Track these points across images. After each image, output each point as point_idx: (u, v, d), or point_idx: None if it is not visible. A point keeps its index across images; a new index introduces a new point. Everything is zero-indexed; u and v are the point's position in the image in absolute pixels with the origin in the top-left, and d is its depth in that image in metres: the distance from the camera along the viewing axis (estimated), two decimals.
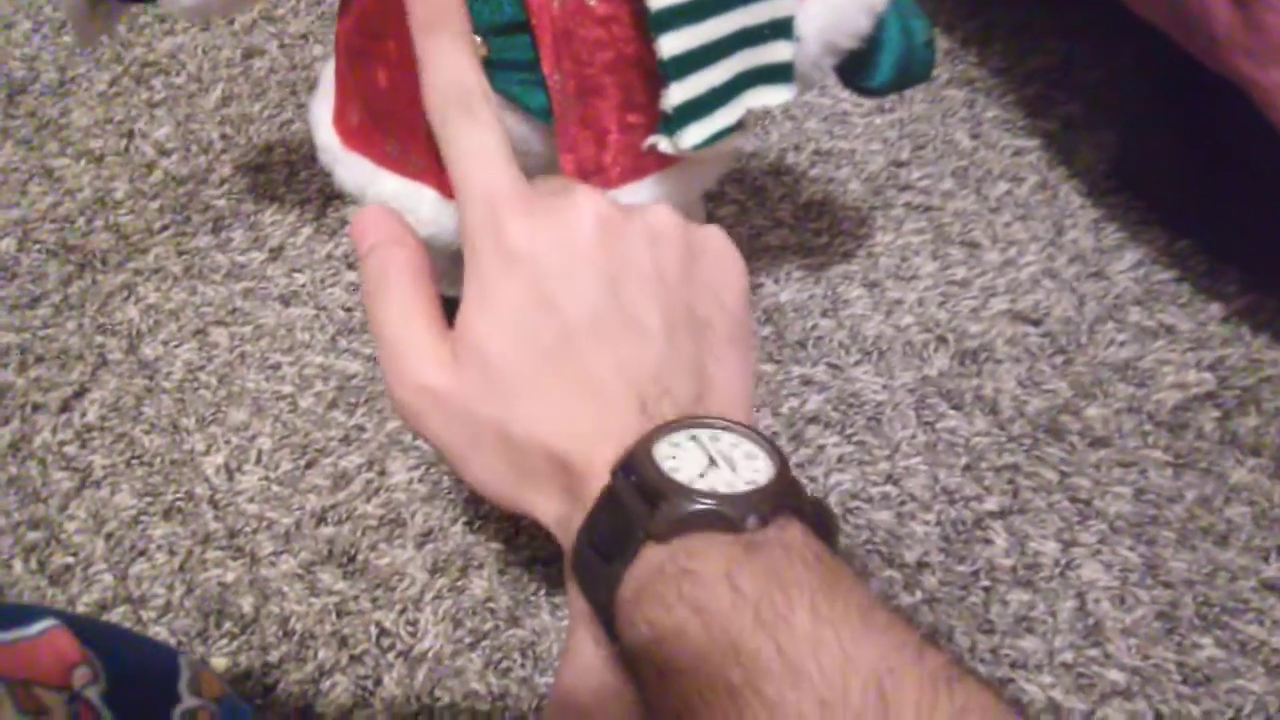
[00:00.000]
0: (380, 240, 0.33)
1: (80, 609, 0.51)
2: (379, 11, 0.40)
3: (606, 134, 0.40)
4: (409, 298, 0.32)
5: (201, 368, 0.60)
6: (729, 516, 0.26)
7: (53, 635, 0.34)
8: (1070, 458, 0.55)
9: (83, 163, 0.71)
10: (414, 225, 0.43)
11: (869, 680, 0.23)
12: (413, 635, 0.50)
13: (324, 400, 0.58)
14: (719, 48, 0.38)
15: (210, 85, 0.75)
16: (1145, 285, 0.62)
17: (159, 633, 0.50)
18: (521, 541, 0.53)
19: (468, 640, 0.50)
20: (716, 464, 0.27)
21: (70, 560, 0.53)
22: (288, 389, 0.59)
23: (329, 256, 0.65)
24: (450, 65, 0.33)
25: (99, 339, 0.61)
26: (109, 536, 0.54)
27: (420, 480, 0.55)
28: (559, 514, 0.29)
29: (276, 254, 0.65)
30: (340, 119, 0.46)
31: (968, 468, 0.55)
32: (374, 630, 0.50)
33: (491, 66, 0.37)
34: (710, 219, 0.64)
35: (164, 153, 0.71)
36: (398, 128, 0.43)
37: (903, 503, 0.54)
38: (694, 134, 0.39)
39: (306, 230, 0.66)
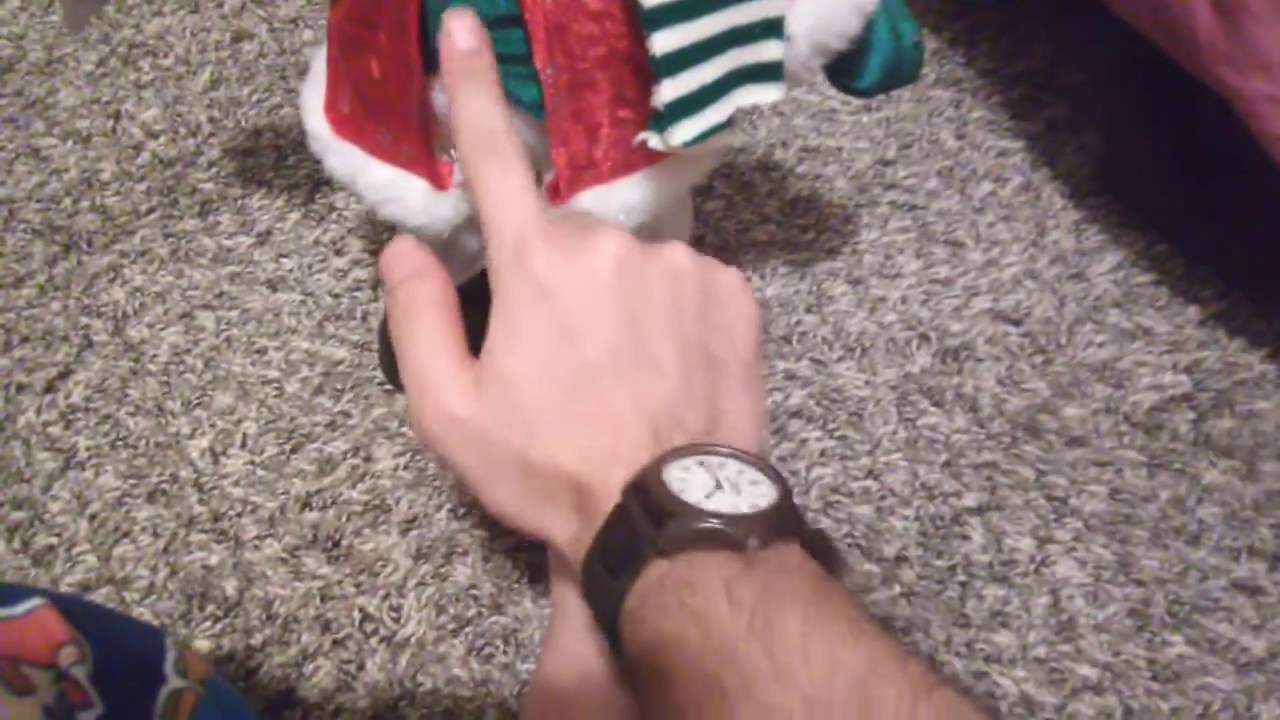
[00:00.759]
0: (409, 274, 0.35)
1: (63, 589, 0.51)
2: (371, 1, 0.40)
3: (598, 129, 0.41)
4: (436, 330, 0.33)
5: (187, 351, 0.60)
6: (732, 536, 0.27)
7: (40, 615, 0.34)
8: (1047, 456, 0.56)
9: (69, 143, 0.71)
10: (404, 215, 0.44)
11: (854, 682, 0.23)
12: (396, 621, 0.50)
13: (310, 386, 0.58)
14: (710, 46, 0.39)
15: (199, 68, 0.75)
16: (1124, 287, 0.63)
17: (142, 614, 0.51)
18: (505, 529, 0.53)
19: (450, 626, 0.50)
20: (722, 487, 0.29)
21: (54, 541, 0.53)
22: (274, 374, 0.59)
23: (316, 242, 0.65)
24: (480, 110, 0.36)
25: (84, 320, 0.61)
26: (93, 518, 0.54)
27: (405, 467, 0.55)
28: (572, 534, 0.31)
29: (264, 239, 0.65)
30: (331, 107, 0.46)
31: (947, 464, 0.56)
32: (357, 615, 0.51)
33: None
34: (698, 213, 0.64)
35: (151, 135, 0.71)
36: (389, 117, 0.43)
37: (883, 497, 0.55)
38: (684, 131, 0.39)
39: (294, 215, 0.66)
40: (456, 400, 0.32)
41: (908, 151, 0.70)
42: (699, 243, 0.64)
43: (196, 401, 0.58)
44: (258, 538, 0.53)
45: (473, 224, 0.43)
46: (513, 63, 0.39)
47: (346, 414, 0.57)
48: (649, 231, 0.45)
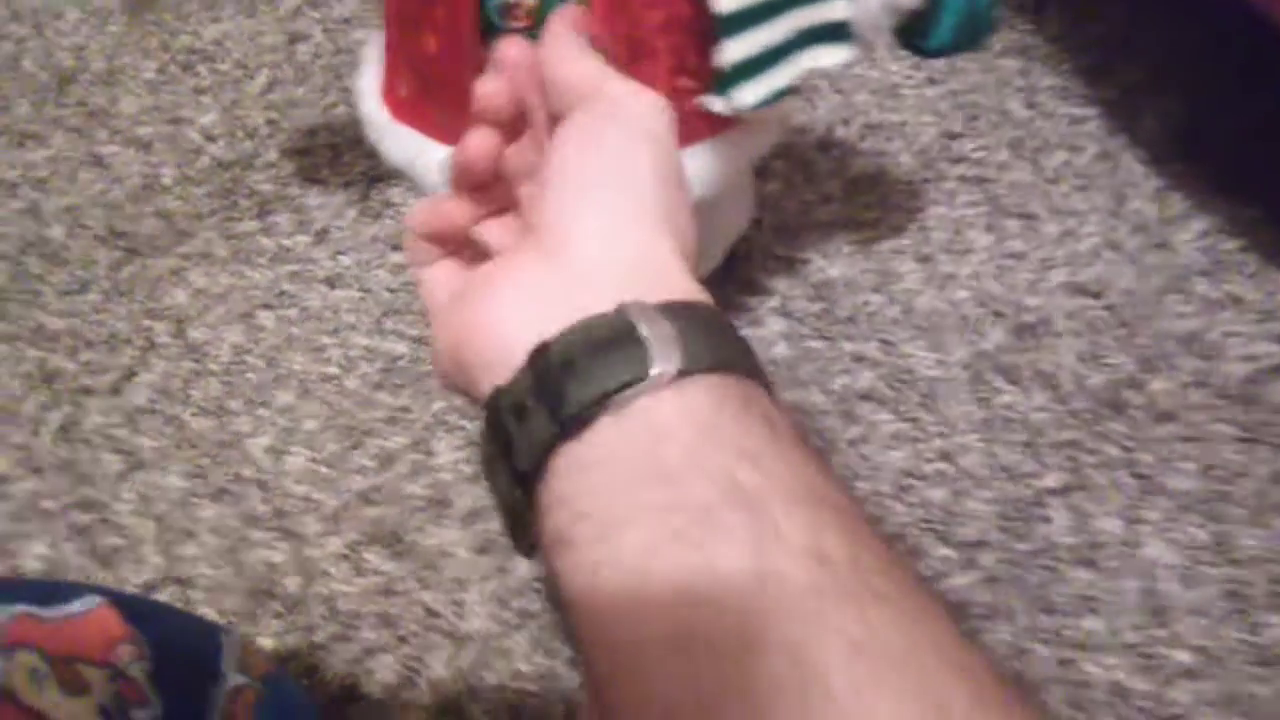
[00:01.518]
0: None
1: (129, 590, 0.51)
2: None
3: None
4: None
5: (248, 350, 0.60)
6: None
7: (99, 613, 0.34)
8: (1133, 433, 0.53)
9: (131, 150, 0.71)
10: None
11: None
12: (459, 616, 0.49)
13: (369, 382, 0.58)
14: (774, 5, 0.37)
15: (255, 71, 0.75)
16: (1212, 255, 0.60)
17: (206, 613, 0.50)
18: None
19: (514, 621, 0.49)
20: None
21: (120, 542, 0.53)
22: (334, 371, 0.59)
23: (374, 239, 0.65)
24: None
25: (147, 323, 0.62)
26: (158, 518, 0.54)
27: (466, 461, 0.54)
28: None
29: (322, 237, 0.65)
30: (390, 92, 0.46)
31: (1026, 444, 0.53)
32: (420, 611, 0.50)
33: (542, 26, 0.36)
34: (758, 194, 0.62)
35: (210, 139, 0.71)
36: (446, 95, 0.43)
37: (958, 480, 0.52)
38: (749, 93, 0.38)
39: (351, 213, 0.66)
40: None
41: (975, 124, 0.67)
42: (758, 224, 0.62)
43: (258, 400, 0.58)
44: (320, 534, 0.52)
45: None
46: None
47: (406, 409, 0.57)
48: (709, 209, 0.43)
